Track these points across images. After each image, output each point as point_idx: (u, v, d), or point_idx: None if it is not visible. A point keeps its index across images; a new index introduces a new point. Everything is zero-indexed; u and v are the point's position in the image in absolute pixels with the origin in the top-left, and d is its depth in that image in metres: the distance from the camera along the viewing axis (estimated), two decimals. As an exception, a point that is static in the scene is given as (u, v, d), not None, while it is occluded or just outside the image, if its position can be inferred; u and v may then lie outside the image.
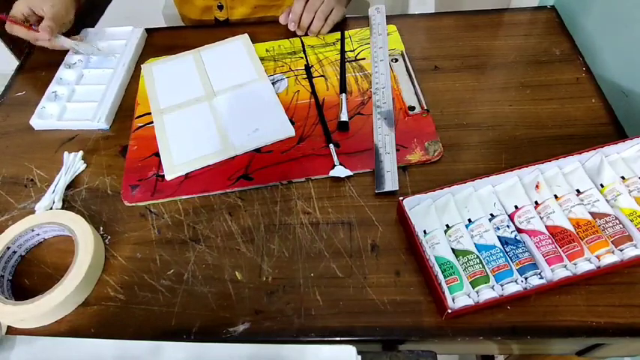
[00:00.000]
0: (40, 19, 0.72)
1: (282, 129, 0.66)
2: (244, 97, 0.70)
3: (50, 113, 0.71)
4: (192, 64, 0.77)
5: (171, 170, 0.63)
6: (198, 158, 0.64)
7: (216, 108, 0.70)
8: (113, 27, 0.83)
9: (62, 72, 0.76)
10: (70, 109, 0.72)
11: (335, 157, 0.62)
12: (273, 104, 0.69)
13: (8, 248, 0.55)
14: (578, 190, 0.55)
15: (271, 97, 0.70)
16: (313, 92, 0.70)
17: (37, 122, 0.70)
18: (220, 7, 0.88)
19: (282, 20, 0.79)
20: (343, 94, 0.68)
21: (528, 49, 0.74)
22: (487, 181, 0.55)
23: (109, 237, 0.58)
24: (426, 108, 0.66)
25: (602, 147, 0.56)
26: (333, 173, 0.60)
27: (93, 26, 0.87)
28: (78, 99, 0.73)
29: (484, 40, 0.76)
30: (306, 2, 0.76)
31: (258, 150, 0.64)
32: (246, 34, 0.79)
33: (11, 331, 0.51)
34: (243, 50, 0.77)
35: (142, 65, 0.78)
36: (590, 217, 0.52)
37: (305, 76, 0.73)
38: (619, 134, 0.62)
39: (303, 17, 0.76)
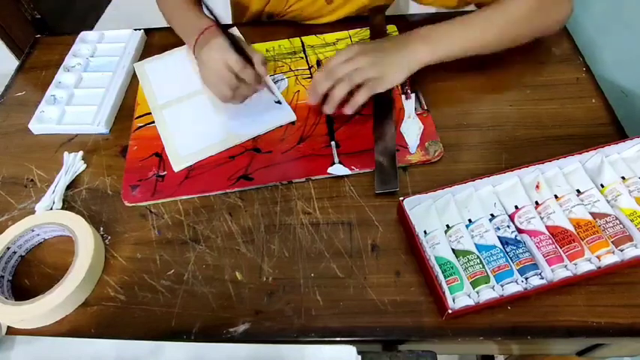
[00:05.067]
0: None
1: (282, 114, 0.67)
2: None
3: (49, 117, 0.71)
4: (185, 59, 0.77)
5: (178, 162, 0.63)
6: (203, 149, 0.64)
7: (215, 99, 0.69)
8: (112, 30, 0.83)
9: (61, 75, 0.75)
10: (70, 113, 0.71)
11: (335, 155, 0.62)
12: (271, 90, 0.69)
13: (8, 248, 0.55)
14: (578, 191, 0.55)
15: (269, 84, 0.69)
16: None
17: (36, 127, 0.69)
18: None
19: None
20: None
21: (528, 49, 0.73)
22: (487, 181, 0.55)
23: (109, 237, 0.58)
24: (426, 108, 0.66)
25: (602, 147, 0.56)
26: (331, 170, 0.60)
27: (92, 27, 0.86)
28: (77, 103, 0.73)
29: (484, 40, 0.76)
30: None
31: (258, 150, 0.64)
32: (234, 27, 0.79)
33: (11, 331, 0.51)
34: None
35: (134, 64, 0.77)
36: (590, 218, 0.52)
37: (305, 76, 0.73)
38: (619, 134, 0.62)
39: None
